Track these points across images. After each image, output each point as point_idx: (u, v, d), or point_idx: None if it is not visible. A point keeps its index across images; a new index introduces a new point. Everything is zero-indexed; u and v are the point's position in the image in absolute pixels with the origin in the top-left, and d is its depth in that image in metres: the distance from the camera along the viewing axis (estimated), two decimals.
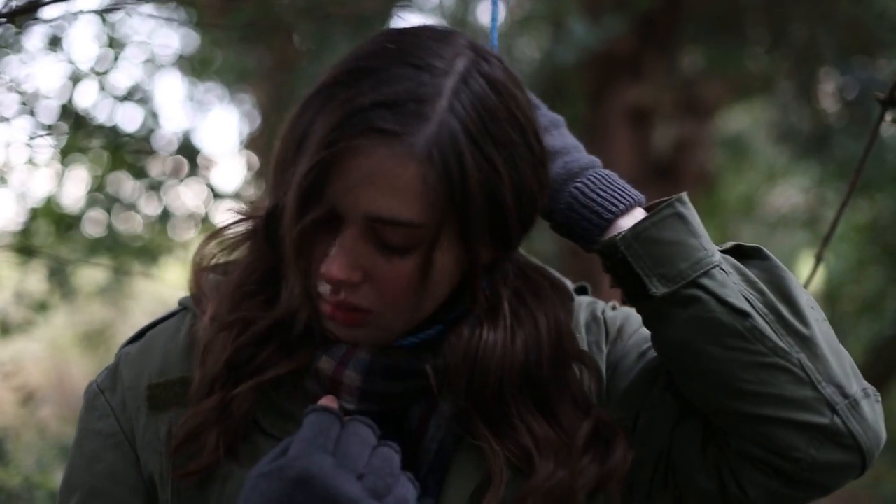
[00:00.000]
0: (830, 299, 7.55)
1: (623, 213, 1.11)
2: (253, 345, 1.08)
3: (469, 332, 1.08)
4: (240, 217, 1.16)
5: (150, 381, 1.12)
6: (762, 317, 1.05)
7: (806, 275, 1.80)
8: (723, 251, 1.11)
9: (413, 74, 0.98)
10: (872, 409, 1.08)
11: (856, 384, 1.08)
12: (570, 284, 1.25)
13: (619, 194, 1.12)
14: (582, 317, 1.23)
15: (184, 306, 1.19)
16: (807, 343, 1.06)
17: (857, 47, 4.94)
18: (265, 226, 1.07)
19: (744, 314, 1.05)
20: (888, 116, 1.51)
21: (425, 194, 0.97)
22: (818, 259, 1.72)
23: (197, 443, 1.06)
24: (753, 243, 1.13)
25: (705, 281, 1.05)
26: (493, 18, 1.29)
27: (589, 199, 1.12)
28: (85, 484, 1.12)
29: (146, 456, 1.10)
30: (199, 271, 1.16)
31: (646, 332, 1.17)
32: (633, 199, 1.13)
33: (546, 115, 1.18)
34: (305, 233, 1.00)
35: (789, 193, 9.05)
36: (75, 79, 3.93)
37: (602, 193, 1.12)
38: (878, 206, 6.65)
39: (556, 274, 1.22)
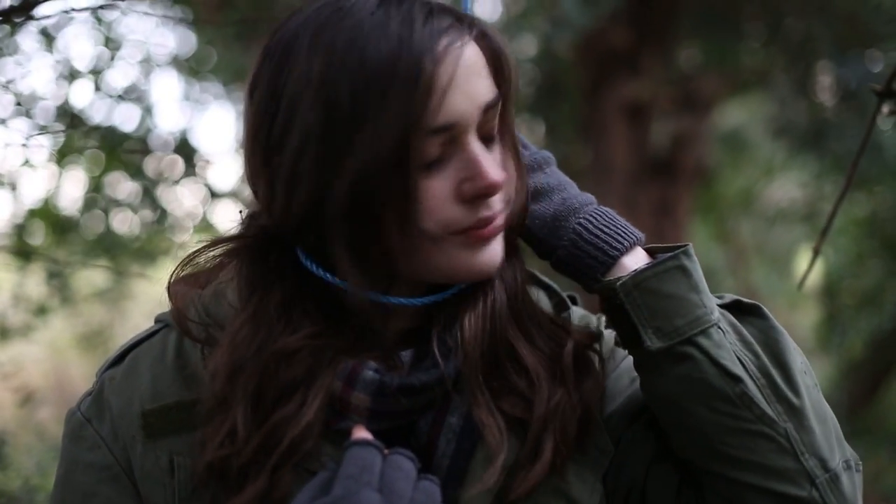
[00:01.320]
0: (829, 293, 7.56)
1: (627, 250, 1.09)
2: (286, 423, 0.99)
3: (481, 305, 1.07)
4: (213, 240, 1.10)
5: (142, 408, 1.06)
6: (754, 381, 1.03)
7: (804, 269, 1.79)
8: (721, 305, 1.09)
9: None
10: (852, 483, 1.06)
11: (839, 455, 1.06)
12: (560, 291, 1.23)
13: (623, 232, 1.10)
14: None
15: (164, 323, 1.12)
16: (795, 413, 1.04)
17: (854, 41, 4.94)
18: (298, 231, 1.00)
19: (736, 378, 1.03)
20: (885, 108, 1.50)
21: (490, 68, 1.01)
22: (816, 253, 1.71)
23: None
24: (752, 300, 1.11)
25: (701, 340, 1.03)
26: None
27: (593, 235, 1.10)
28: None
29: (147, 487, 1.04)
30: (176, 285, 1.09)
31: None
32: (635, 237, 1.10)
33: (536, 153, 1.16)
34: (426, 172, 0.98)
35: (787, 188, 9.05)
36: (71, 79, 3.92)
37: (606, 230, 1.10)
38: (877, 200, 6.65)
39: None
